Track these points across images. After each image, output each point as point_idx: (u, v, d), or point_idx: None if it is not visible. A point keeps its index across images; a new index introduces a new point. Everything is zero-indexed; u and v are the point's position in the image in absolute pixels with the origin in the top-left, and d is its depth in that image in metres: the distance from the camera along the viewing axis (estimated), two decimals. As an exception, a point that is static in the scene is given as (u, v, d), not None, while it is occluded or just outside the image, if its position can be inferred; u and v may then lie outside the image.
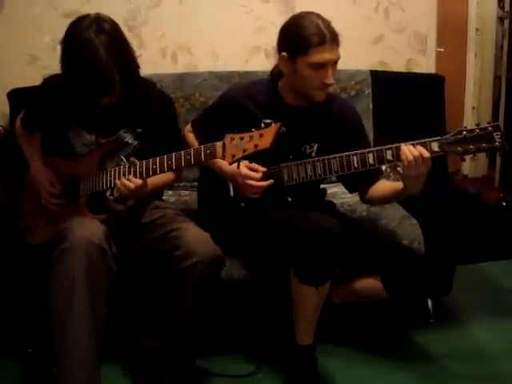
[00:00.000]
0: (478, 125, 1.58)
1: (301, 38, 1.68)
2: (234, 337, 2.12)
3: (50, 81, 1.84)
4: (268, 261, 1.89)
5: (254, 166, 1.72)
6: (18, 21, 2.57)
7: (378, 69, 2.70)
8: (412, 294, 1.94)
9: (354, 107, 1.97)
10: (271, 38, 1.80)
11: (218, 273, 1.74)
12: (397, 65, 2.82)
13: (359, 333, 2.12)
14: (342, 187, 2.00)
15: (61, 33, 1.63)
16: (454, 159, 1.67)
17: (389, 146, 1.66)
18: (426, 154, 1.58)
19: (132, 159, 1.71)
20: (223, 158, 1.55)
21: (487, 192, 3.54)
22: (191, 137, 2.00)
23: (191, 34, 2.69)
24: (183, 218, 1.83)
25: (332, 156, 1.74)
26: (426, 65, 2.85)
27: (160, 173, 1.68)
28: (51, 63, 1.74)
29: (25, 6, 2.57)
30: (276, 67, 1.84)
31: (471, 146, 1.57)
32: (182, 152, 1.65)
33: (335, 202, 2.10)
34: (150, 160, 1.68)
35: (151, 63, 2.59)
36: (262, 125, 1.79)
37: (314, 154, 1.84)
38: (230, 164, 1.59)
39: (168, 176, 1.85)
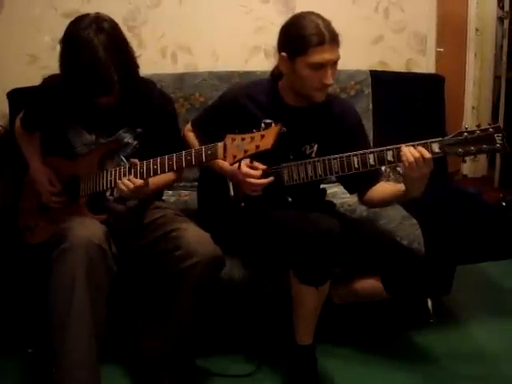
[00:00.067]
0: (478, 126, 1.57)
1: (300, 38, 1.68)
2: (234, 337, 2.12)
3: (49, 81, 1.83)
4: (268, 261, 1.89)
5: (254, 164, 1.71)
6: (17, 21, 2.57)
7: (378, 69, 2.70)
8: (412, 294, 1.95)
9: (354, 108, 1.97)
10: (271, 38, 1.80)
11: (218, 273, 1.74)
12: (396, 65, 2.82)
13: (359, 333, 2.12)
14: (342, 187, 1.99)
15: (60, 33, 1.63)
16: (454, 159, 1.67)
17: (389, 147, 1.66)
18: (427, 154, 1.58)
19: (132, 160, 1.70)
20: (224, 158, 1.55)
21: (487, 192, 3.54)
22: (191, 136, 2.01)
23: (191, 33, 2.69)
24: (183, 218, 1.83)
25: (332, 156, 1.74)
26: (425, 65, 2.85)
27: (161, 173, 1.68)
28: (51, 63, 1.74)
29: (24, 6, 2.57)
30: (276, 67, 1.84)
31: (472, 148, 1.56)
32: (183, 152, 1.65)
33: (335, 202, 2.10)
34: (151, 160, 1.68)
35: (151, 63, 2.59)
36: (263, 125, 1.80)
37: (314, 155, 1.84)
38: (231, 165, 1.59)
39: (169, 176, 1.85)
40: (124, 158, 1.80)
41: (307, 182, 1.79)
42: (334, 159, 1.73)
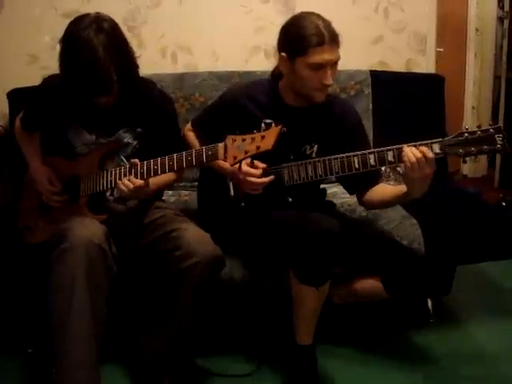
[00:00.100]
0: (479, 127, 1.57)
1: (300, 38, 1.68)
2: (234, 337, 2.12)
3: (49, 81, 1.83)
4: (268, 261, 1.89)
5: (254, 162, 1.71)
6: (17, 21, 2.57)
7: (378, 69, 2.70)
8: (412, 294, 1.95)
9: (354, 108, 1.96)
10: (271, 38, 1.80)
11: (218, 273, 1.74)
12: (396, 65, 2.82)
13: (359, 333, 2.12)
14: (342, 187, 1.99)
15: (60, 33, 1.63)
16: (454, 159, 1.67)
17: (390, 148, 1.65)
18: (430, 154, 1.57)
19: (132, 160, 1.70)
20: (225, 159, 1.56)
21: (487, 192, 3.54)
22: (191, 136, 2.01)
23: (191, 34, 2.69)
24: (183, 218, 1.83)
25: (333, 157, 1.73)
26: (425, 65, 2.85)
27: (161, 173, 1.68)
28: (51, 63, 1.74)
29: (24, 6, 2.57)
30: (277, 67, 1.84)
31: (472, 148, 1.56)
32: (184, 153, 1.65)
33: (335, 202, 2.10)
34: (151, 161, 1.68)
35: (151, 63, 2.59)
36: (263, 125, 1.80)
37: (314, 155, 1.84)
38: (232, 166, 1.59)
39: (169, 176, 1.85)
40: (124, 158, 1.80)
41: (307, 182, 1.79)
42: (334, 159, 1.73)
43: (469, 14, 3.93)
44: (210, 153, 1.59)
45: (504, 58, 3.89)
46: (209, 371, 1.89)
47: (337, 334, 2.07)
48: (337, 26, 1.71)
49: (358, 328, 2.14)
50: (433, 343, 2.05)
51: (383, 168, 1.86)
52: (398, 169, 2.16)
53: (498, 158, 3.81)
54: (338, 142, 1.81)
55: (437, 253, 1.96)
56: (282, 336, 1.91)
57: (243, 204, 1.88)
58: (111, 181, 1.74)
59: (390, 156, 1.65)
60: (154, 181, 1.75)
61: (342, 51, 1.71)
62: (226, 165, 1.74)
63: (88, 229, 1.61)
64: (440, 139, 1.60)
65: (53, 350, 1.55)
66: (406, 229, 2.02)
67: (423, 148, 1.58)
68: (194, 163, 1.63)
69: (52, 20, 2.55)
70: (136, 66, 1.72)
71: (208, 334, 2.07)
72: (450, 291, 1.97)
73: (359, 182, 1.82)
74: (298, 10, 1.85)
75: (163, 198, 2.09)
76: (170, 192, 2.40)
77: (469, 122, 3.93)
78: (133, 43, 1.71)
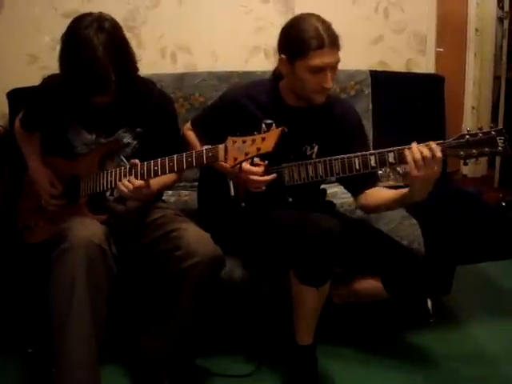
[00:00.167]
0: (480, 128, 1.56)
1: (300, 41, 1.67)
2: (234, 337, 2.12)
3: (49, 81, 1.83)
4: (268, 261, 1.89)
5: (255, 161, 1.70)
6: (17, 21, 2.57)
7: (378, 69, 2.71)
8: (412, 294, 1.95)
9: (354, 109, 1.96)
10: (271, 38, 1.80)
11: (218, 273, 1.74)
12: (396, 65, 2.82)
13: (359, 333, 2.12)
14: (342, 187, 1.99)
15: (60, 33, 1.63)
16: (454, 159, 1.66)
17: (391, 149, 1.64)
18: (439, 153, 1.53)
19: (132, 160, 1.70)
20: (225, 160, 1.55)
21: (487, 192, 3.54)
22: (191, 135, 2.00)
23: (190, 34, 2.69)
24: (183, 218, 1.83)
25: (334, 157, 1.73)
26: (425, 65, 2.85)
27: (161, 174, 1.67)
28: (51, 63, 1.73)
29: (24, 6, 2.57)
30: (277, 67, 1.84)
31: (474, 151, 1.55)
32: (184, 154, 1.65)
33: (335, 202, 2.10)
34: (152, 161, 1.67)
35: (150, 63, 2.59)
36: (263, 125, 1.80)
37: (314, 155, 1.84)
38: (232, 167, 1.58)
39: (169, 177, 1.84)
40: (124, 159, 1.79)
41: (308, 182, 1.79)
42: (335, 160, 1.73)
43: (469, 14, 3.93)
44: (210, 154, 1.59)
45: (504, 58, 3.89)
46: (209, 371, 1.89)
47: (337, 334, 2.07)
48: (337, 26, 1.70)
49: (358, 328, 2.14)
50: (433, 343, 2.05)
51: (383, 168, 1.86)
52: (398, 169, 2.16)
53: (498, 158, 3.81)
54: (338, 143, 1.81)
55: (437, 253, 1.96)
56: (282, 336, 1.91)
57: (243, 204, 1.88)
58: (111, 181, 1.73)
59: (390, 157, 1.64)
60: (156, 181, 1.75)
61: (341, 51, 1.71)
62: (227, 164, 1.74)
63: (88, 229, 1.61)
64: (441, 141, 1.58)
65: (53, 350, 1.55)
66: (405, 229, 2.02)
67: (433, 145, 1.55)
68: (195, 164, 1.63)
69: (52, 20, 2.55)
70: (136, 68, 1.71)
71: (208, 334, 2.07)
72: (449, 291, 1.97)
73: (357, 183, 1.81)
74: (297, 10, 1.86)
75: (163, 197, 2.09)
76: (170, 192, 2.40)
77: (469, 122, 3.94)
78: (132, 43, 1.71)
